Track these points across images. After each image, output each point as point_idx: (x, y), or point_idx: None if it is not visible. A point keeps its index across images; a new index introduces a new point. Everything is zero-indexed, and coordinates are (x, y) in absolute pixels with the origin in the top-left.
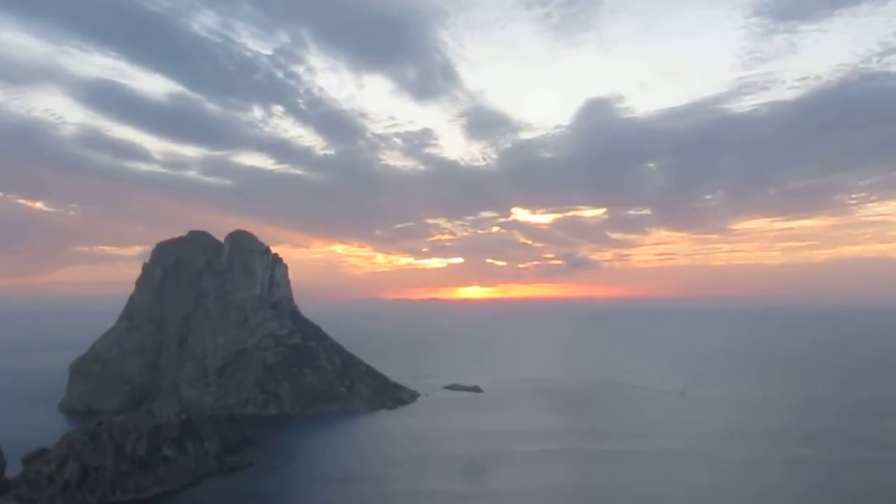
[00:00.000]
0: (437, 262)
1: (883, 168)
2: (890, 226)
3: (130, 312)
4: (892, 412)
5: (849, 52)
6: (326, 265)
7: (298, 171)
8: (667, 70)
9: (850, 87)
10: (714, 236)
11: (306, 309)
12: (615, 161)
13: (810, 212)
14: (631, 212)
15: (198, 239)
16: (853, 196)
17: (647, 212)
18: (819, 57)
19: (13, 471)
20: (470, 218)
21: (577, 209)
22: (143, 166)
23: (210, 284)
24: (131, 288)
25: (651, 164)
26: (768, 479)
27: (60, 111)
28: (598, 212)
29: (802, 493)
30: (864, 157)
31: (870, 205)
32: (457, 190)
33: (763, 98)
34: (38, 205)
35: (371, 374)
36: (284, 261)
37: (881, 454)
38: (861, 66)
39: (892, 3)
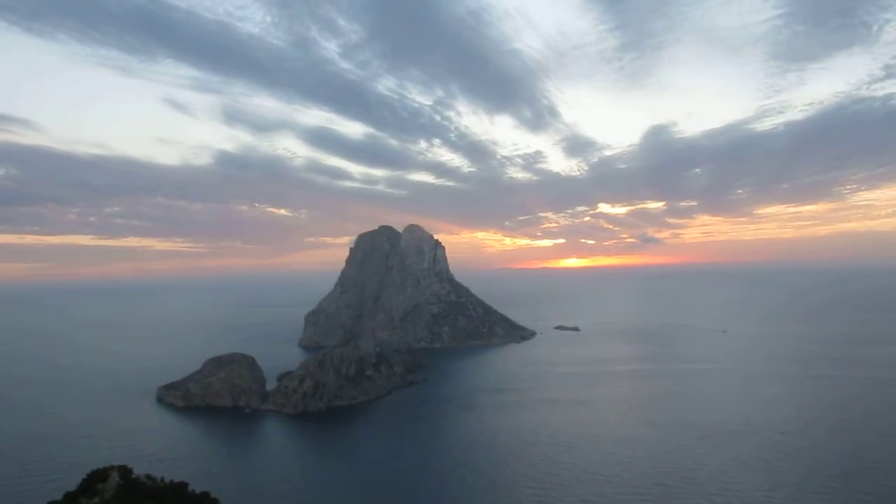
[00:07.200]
0: (546, 243)
1: (869, 166)
2: (875, 208)
3: (342, 281)
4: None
5: (844, 82)
6: (471, 246)
7: (451, 183)
8: (707, 102)
9: (845, 109)
10: (743, 219)
11: (458, 276)
12: (671, 168)
13: (815, 199)
14: (682, 203)
15: (385, 231)
16: (847, 187)
17: (694, 203)
18: (822, 87)
19: (270, 385)
20: (569, 211)
21: (645, 203)
22: (348, 183)
23: (394, 261)
24: (342, 265)
25: (697, 170)
26: (774, 390)
27: (293, 149)
28: (659, 204)
29: (806, 397)
30: (856, 158)
31: (860, 193)
32: (559, 192)
33: (779, 119)
34: (281, 211)
35: (503, 319)
36: (443, 244)
37: (880, 373)
38: (853, 92)
39: (878, 45)
